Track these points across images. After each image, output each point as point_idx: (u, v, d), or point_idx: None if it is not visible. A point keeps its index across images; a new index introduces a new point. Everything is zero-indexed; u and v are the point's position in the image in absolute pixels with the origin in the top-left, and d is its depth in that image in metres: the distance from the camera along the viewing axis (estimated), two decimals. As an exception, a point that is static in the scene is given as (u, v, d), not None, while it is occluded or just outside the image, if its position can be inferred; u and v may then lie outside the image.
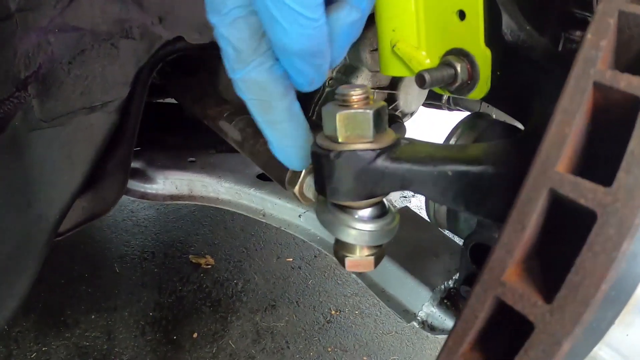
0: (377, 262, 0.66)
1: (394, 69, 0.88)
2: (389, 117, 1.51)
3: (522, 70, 0.79)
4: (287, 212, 1.40)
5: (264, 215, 1.43)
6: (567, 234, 0.40)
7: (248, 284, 2.49)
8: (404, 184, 0.56)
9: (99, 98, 0.99)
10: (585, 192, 0.36)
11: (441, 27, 0.77)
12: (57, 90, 0.93)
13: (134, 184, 1.52)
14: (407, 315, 1.09)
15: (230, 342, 2.17)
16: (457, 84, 0.78)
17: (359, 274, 1.22)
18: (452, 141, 0.84)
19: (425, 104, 1.69)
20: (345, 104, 0.55)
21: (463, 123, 0.86)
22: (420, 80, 0.75)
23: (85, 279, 2.39)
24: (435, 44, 0.83)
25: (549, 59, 0.77)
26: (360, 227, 0.61)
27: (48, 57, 0.90)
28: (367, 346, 2.19)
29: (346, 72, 1.53)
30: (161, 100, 1.88)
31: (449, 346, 0.43)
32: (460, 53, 0.81)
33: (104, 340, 2.12)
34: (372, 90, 1.62)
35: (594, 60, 0.38)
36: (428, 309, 1.08)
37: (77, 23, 0.92)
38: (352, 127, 0.55)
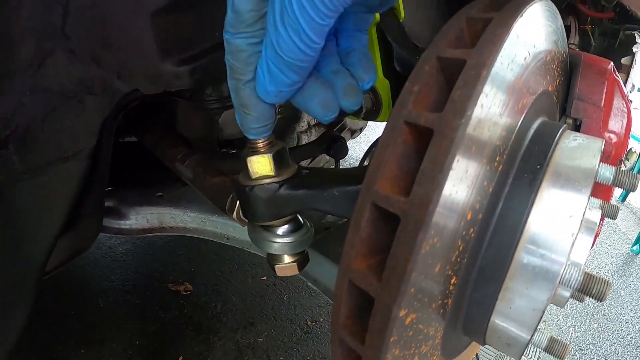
0: (300, 267, 0.83)
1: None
2: (335, 138, 1.69)
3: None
4: (246, 234, 1.49)
5: (227, 239, 1.54)
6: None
7: (226, 305, 2.58)
8: (304, 205, 0.72)
9: (71, 148, 1.08)
10: (392, 202, 0.47)
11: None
12: (33, 145, 1.01)
13: (109, 222, 1.60)
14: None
15: (214, 360, 2.27)
16: (364, 111, 0.93)
17: (315, 282, 1.35)
18: (369, 157, 0.98)
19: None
20: (253, 149, 0.71)
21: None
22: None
23: (72, 316, 2.44)
24: (347, 80, 0.99)
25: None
26: (280, 241, 0.79)
27: (24, 117, 0.98)
28: (343, 351, 2.29)
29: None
30: (130, 139, 1.95)
31: (332, 321, 0.56)
32: (366, 86, 0.97)
33: (95, 372, 2.18)
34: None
35: (406, 102, 0.50)
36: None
37: (46, 84, 1.00)
38: (258, 167, 0.72)
